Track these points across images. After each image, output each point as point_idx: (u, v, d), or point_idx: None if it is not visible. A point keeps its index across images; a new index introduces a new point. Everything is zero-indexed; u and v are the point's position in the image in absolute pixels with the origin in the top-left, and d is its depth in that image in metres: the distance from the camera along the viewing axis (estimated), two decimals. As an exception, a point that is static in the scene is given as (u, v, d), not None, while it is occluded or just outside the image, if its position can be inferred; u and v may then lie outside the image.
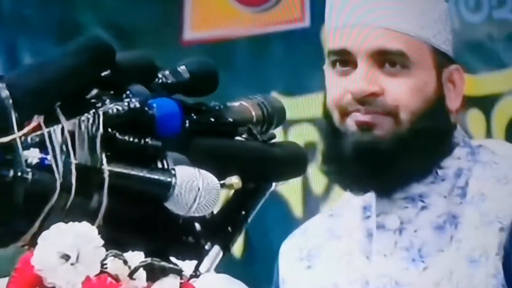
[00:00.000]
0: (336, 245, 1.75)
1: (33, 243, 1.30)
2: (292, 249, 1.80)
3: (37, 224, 1.31)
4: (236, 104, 1.51)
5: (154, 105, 1.40)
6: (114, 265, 1.28)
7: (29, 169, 1.31)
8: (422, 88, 1.70)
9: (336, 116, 1.72)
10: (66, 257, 1.26)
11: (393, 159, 1.68)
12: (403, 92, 1.69)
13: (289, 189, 3.21)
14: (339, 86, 1.72)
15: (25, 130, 1.33)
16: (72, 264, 1.25)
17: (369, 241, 1.72)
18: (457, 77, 1.74)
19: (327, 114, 1.74)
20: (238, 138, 1.49)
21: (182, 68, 1.47)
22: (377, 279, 1.69)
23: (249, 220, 1.47)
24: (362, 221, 1.73)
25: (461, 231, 1.67)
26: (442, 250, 1.67)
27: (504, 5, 3.06)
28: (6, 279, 1.29)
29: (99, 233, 1.29)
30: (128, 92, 1.40)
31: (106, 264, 1.28)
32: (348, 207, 1.77)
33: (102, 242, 1.28)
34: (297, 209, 3.28)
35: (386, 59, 1.70)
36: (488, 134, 2.81)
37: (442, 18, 1.73)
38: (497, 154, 1.74)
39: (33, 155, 1.32)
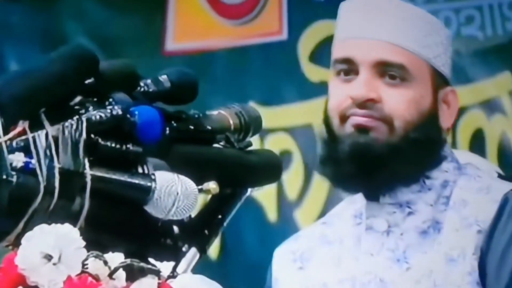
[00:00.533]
0: (327, 250, 1.79)
1: (17, 243, 1.29)
2: (286, 252, 1.83)
3: (21, 225, 1.30)
4: (214, 112, 1.51)
5: (136, 112, 1.40)
6: (95, 266, 1.27)
7: (14, 172, 1.31)
8: (418, 102, 1.74)
9: (336, 121, 1.75)
10: (49, 257, 1.25)
11: (384, 162, 1.72)
12: (400, 102, 1.73)
13: (264, 195, 3.21)
14: (341, 92, 1.75)
15: (11, 134, 1.33)
16: (54, 264, 1.25)
17: (358, 244, 1.76)
18: (451, 98, 1.78)
19: (326, 120, 1.77)
20: (216, 145, 1.48)
21: (163, 78, 1.47)
22: (363, 276, 1.72)
23: (225, 223, 1.46)
24: (353, 228, 1.77)
25: (442, 234, 1.71)
26: (425, 252, 1.71)
27: (471, 22, 3.08)
28: (-10, 278, 1.29)
29: (80, 235, 1.29)
30: (110, 100, 1.40)
31: (87, 264, 1.27)
32: (340, 216, 1.81)
33: (84, 243, 1.28)
34: (271, 214, 3.28)
35: (387, 70, 1.74)
36: (453, 145, 2.82)
37: (444, 43, 1.78)
38: (481, 169, 1.79)
39: (18, 159, 1.32)
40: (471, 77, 3.01)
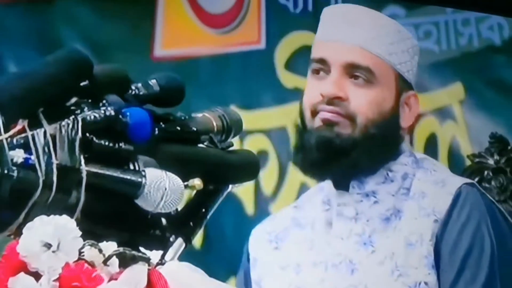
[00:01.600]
0: (299, 232, 1.82)
1: (18, 233, 1.29)
2: (262, 232, 1.86)
3: (22, 216, 1.29)
4: (199, 115, 1.50)
5: (128, 113, 1.39)
6: (90, 253, 1.27)
7: (14, 168, 1.30)
8: (380, 102, 1.78)
9: (308, 114, 1.80)
10: (48, 246, 1.25)
11: (346, 153, 1.77)
12: (364, 101, 1.78)
13: (242, 191, 3.21)
14: (314, 88, 1.80)
15: (11, 132, 1.31)
16: (53, 251, 1.24)
17: (329, 228, 1.79)
18: (413, 102, 1.83)
19: (301, 112, 1.81)
20: (200, 145, 1.48)
21: (153, 82, 1.46)
22: (335, 257, 1.76)
23: (208, 216, 1.46)
24: (322, 213, 1.80)
25: (403, 221, 1.76)
26: (388, 237, 1.75)
27: (429, 37, 3.10)
28: (-6, 265, 1.28)
29: (77, 225, 1.28)
30: (104, 101, 1.39)
31: (83, 252, 1.27)
32: (310, 201, 1.84)
33: (80, 233, 1.28)
34: (249, 208, 3.28)
35: (355, 72, 1.79)
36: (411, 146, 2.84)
37: (410, 51, 1.82)
38: (436, 165, 1.84)
39: (18, 155, 1.31)
40: (427, 87, 3.04)
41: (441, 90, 3.05)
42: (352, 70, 1.78)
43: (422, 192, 1.77)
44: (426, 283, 1.71)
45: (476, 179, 2.11)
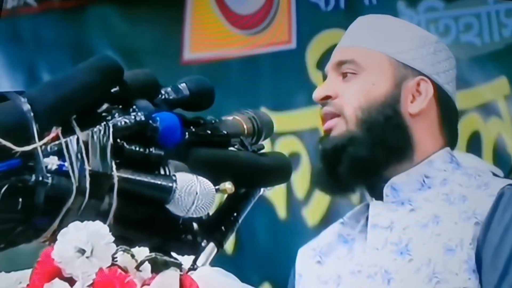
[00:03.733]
0: (343, 247, 1.83)
1: (53, 239, 1.32)
2: (307, 250, 1.88)
3: (56, 222, 1.33)
4: (229, 118, 1.53)
5: (158, 118, 1.42)
6: (123, 259, 1.30)
7: (49, 175, 1.33)
8: (369, 89, 1.79)
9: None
10: (82, 251, 1.28)
11: (343, 151, 1.77)
12: (350, 93, 1.80)
13: (274, 194, 3.23)
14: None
15: (45, 140, 1.35)
16: (87, 257, 1.28)
17: (366, 240, 1.80)
18: (423, 87, 1.82)
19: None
20: (231, 148, 1.50)
21: (182, 86, 1.49)
22: (369, 268, 1.76)
23: (240, 220, 1.49)
24: (365, 227, 1.81)
25: (441, 226, 1.75)
26: (425, 244, 1.74)
27: (470, 29, 3.09)
28: (29, 271, 1.32)
29: (110, 231, 1.32)
30: (134, 107, 1.42)
31: (116, 257, 1.30)
32: (355, 217, 1.85)
33: (113, 238, 1.31)
34: (281, 211, 3.30)
35: (343, 69, 1.82)
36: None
37: (417, 40, 1.82)
38: (483, 170, 1.83)
39: (52, 162, 1.34)
40: (469, 82, 3.01)
41: (484, 85, 3.01)
42: (341, 68, 1.80)
43: (463, 196, 1.75)
44: None
45: None
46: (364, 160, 1.76)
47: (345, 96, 1.79)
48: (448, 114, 1.85)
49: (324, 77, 1.86)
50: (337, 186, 1.81)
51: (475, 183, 1.78)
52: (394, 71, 1.80)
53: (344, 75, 1.81)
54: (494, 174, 1.87)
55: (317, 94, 1.82)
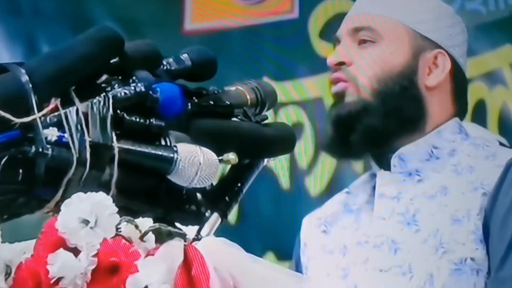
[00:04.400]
0: (348, 217, 1.82)
1: (56, 209, 1.33)
2: (312, 219, 1.87)
3: (59, 193, 1.33)
4: (232, 88, 1.53)
5: (158, 89, 1.42)
6: (127, 229, 1.31)
7: (48, 146, 1.34)
8: (386, 59, 1.78)
9: (330, 93, 1.82)
10: (86, 222, 1.29)
11: (357, 120, 1.76)
12: (366, 61, 1.79)
13: (278, 165, 3.24)
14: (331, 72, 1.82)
15: (44, 111, 1.35)
16: (91, 228, 1.29)
17: (372, 210, 1.79)
18: (441, 60, 1.81)
19: (330, 93, 1.83)
20: (234, 119, 1.50)
21: (184, 56, 1.49)
22: (376, 238, 1.76)
23: (244, 191, 1.49)
24: (371, 197, 1.80)
25: (449, 197, 1.74)
26: (433, 214, 1.74)
27: (475, -3, 3.08)
28: (33, 241, 1.33)
29: (113, 202, 1.32)
30: (134, 78, 1.41)
31: (120, 228, 1.31)
32: (361, 187, 1.84)
33: (116, 209, 1.31)
34: (284, 182, 3.30)
35: (360, 36, 1.80)
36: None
37: (435, 12, 1.81)
38: (490, 140, 1.82)
39: (52, 133, 1.34)
40: (474, 50, 3.00)
41: (489, 53, 3.00)
42: (357, 35, 1.79)
43: (470, 166, 1.74)
44: (472, 259, 1.69)
45: None
46: (378, 130, 1.76)
47: (360, 64, 1.78)
48: (460, 87, 1.84)
49: (334, 43, 1.84)
50: (346, 153, 1.81)
51: (483, 154, 1.77)
52: (412, 42, 1.79)
53: (361, 41, 1.79)
54: (501, 144, 1.87)
55: (331, 59, 1.80)
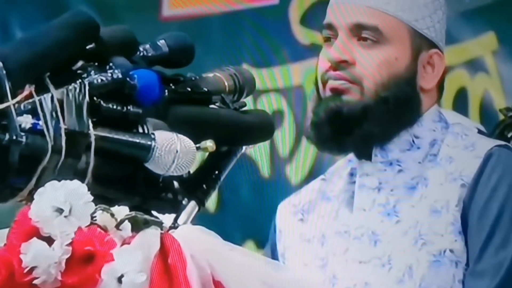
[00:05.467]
0: (325, 205, 1.82)
1: (29, 198, 1.32)
2: (288, 205, 1.86)
3: (33, 182, 1.33)
4: (210, 75, 1.53)
5: (135, 76, 1.42)
6: (103, 218, 1.31)
7: (23, 133, 1.33)
8: (391, 63, 1.76)
9: (320, 86, 1.78)
10: (60, 211, 1.29)
11: (357, 123, 1.75)
12: (371, 63, 1.76)
13: (257, 152, 3.24)
14: (324, 57, 1.78)
15: (18, 98, 1.34)
16: (65, 216, 1.28)
17: (352, 201, 1.79)
18: (437, 61, 1.79)
19: (316, 84, 1.80)
20: (212, 106, 1.50)
21: (161, 42, 1.49)
22: (356, 230, 1.76)
23: (222, 178, 1.49)
24: (349, 185, 1.80)
25: (429, 188, 1.74)
26: (413, 206, 1.74)
27: (459, -15, 3.07)
28: (6, 230, 1.32)
29: (89, 190, 1.32)
30: (111, 64, 1.41)
31: (95, 216, 1.31)
32: (337, 174, 1.84)
33: (92, 197, 1.31)
34: (264, 169, 3.31)
35: (362, 33, 1.76)
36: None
37: (430, 6, 1.79)
38: (469, 129, 1.81)
39: (26, 121, 1.34)
40: (457, 38, 3.00)
41: (472, 41, 2.99)
42: (359, 32, 1.75)
43: (450, 157, 1.75)
44: (451, 251, 1.70)
45: (510, 134, 2.00)
46: (376, 136, 1.75)
47: (364, 65, 1.75)
48: (443, 77, 1.83)
49: (327, 26, 1.78)
50: (335, 148, 1.79)
51: (462, 144, 1.78)
52: (412, 42, 1.77)
53: (364, 39, 1.75)
54: (479, 131, 1.87)
55: (333, 56, 1.75)
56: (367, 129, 1.74)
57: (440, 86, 1.84)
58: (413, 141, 1.77)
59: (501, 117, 2.15)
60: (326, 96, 1.76)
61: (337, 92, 1.75)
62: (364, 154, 1.78)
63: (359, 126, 1.74)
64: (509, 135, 2.03)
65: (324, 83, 1.77)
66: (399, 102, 1.75)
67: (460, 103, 3.03)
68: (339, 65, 1.76)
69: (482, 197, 1.71)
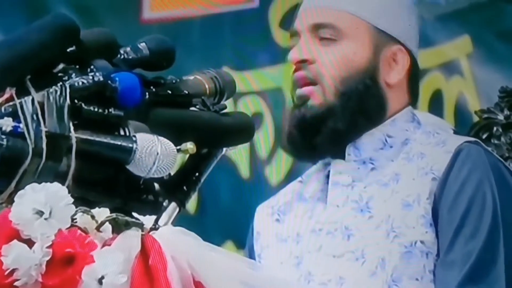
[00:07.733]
0: (301, 205, 1.83)
1: (10, 201, 1.32)
2: (265, 207, 1.88)
3: (13, 184, 1.32)
4: (191, 77, 1.52)
5: (117, 78, 1.41)
6: (83, 220, 1.31)
7: (3, 136, 1.33)
8: (350, 58, 1.78)
9: (292, 91, 1.81)
10: (40, 213, 1.28)
11: (322, 123, 1.77)
12: (330, 60, 1.78)
13: (237, 154, 3.24)
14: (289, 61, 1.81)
15: (-1, 100, 1.35)
16: (45, 219, 1.28)
17: (326, 198, 1.80)
18: (400, 56, 1.81)
19: (291, 93, 1.82)
20: (192, 108, 1.50)
21: (142, 45, 1.48)
22: (330, 225, 1.77)
23: (202, 180, 1.49)
24: (324, 185, 1.82)
25: (400, 183, 1.76)
26: (385, 201, 1.76)
27: (434, -11, 3.08)
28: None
29: (69, 192, 1.31)
30: (92, 67, 1.41)
31: (76, 219, 1.30)
32: (314, 175, 1.85)
33: (72, 200, 1.31)
34: (244, 171, 3.31)
35: (321, 33, 1.78)
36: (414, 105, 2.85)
37: (394, 5, 1.81)
38: (441, 128, 1.84)
39: (6, 123, 1.34)
40: (433, 41, 3.02)
41: (447, 44, 3.02)
42: (318, 32, 1.78)
43: (421, 153, 1.76)
44: (422, 242, 1.72)
45: (485, 136, 2.07)
46: (343, 132, 1.77)
47: (324, 63, 1.77)
48: (414, 77, 1.85)
49: (292, 33, 1.82)
50: (310, 154, 1.81)
51: (433, 141, 1.79)
52: (372, 39, 1.79)
53: (322, 38, 1.78)
54: (455, 132, 1.89)
55: (293, 56, 1.78)
56: (331, 126, 1.75)
57: (414, 89, 1.85)
58: (386, 140, 1.79)
59: (476, 119, 2.17)
60: (295, 103, 1.78)
61: (302, 99, 1.77)
62: (339, 154, 1.80)
63: (324, 124, 1.76)
64: (483, 137, 2.05)
65: (295, 89, 1.79)
66: (360, 95, 1.77)
67: (436, 105, 3.06)
68: (300, 65, 1.78)
69: (452, 190, 1.73)
